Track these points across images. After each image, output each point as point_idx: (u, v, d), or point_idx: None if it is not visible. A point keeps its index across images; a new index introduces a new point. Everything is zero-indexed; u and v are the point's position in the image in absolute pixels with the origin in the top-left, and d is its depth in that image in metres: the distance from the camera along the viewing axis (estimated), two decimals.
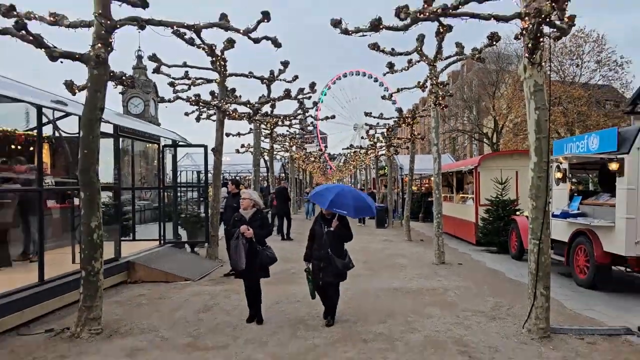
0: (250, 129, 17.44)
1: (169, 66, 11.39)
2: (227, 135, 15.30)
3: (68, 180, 9.58)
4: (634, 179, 7.17)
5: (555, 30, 5.47)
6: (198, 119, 13.42)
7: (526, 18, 5.24)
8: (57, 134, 9.05)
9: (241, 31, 8.89)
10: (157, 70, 11.32)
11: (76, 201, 8.30)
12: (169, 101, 12.39)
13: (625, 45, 64.37)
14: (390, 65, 11.32)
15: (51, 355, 4.88)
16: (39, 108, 6.79)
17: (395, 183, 25.23)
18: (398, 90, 14.33)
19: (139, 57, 26.16)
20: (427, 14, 6.40)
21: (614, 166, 7.64)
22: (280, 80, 13.44)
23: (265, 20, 8.82)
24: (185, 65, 11.61)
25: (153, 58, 11.02)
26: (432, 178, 11.88)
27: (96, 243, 5.71)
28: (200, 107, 12.68)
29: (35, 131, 7.29)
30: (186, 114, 13.25)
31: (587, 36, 29.96)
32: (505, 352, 4.81)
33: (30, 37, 5.41)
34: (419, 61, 10.88)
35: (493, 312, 6.37)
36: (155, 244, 10.44)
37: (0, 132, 9.00)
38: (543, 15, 5.08)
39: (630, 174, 7.28)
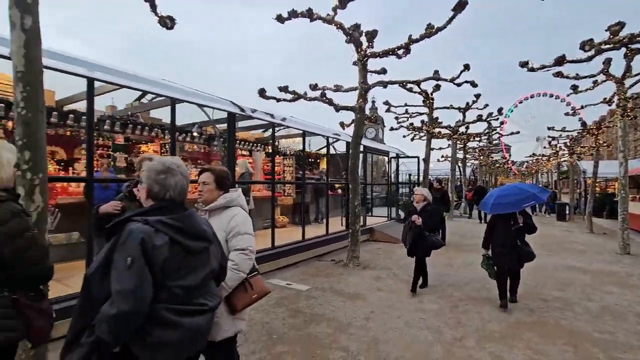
0: (449, 144, 16.85)
1: (395, 106, 12.06)
2: (432, 149, 15.14)
3: (336, 179, 11.23)
4: None
5: None
6: (412, 139, 13.75)
7: None
8: (332, 152, 10.71)
9: (448, 80, 8.67)
10: (387, 110, 12.12)
11: (339, 191, 9.76)
12: (396, 129, 13.14)
13: None
14: (574, 87, 9.28)
15: (335, 272, 6.02)
16: (327, 138, 8.31)
17: (577, 184, 20.21)
18: (582, 107, 11.61)
19: (373, 102, 28.67)
20: (612, 44, 5.22)
21: None
22: (473, 108, 12.60)
23: (466, 70, 8.50)
24: (405, 105, 12.09)
25: (386, 103, 11.83)
26: (619, 180, 9.23)
27: (357, 214, 6.70)
28: (415, 132, 13.03)
29: (322, 150, 8.89)
30: (404, 136, 13.75)
31: None
32: None
33: (326, 100, 6.76)
34: (604, 81, 8.63)
35: None
36: (385, 219, 11.16)
37: (306, 152, 11.23)
38: None
39: None
